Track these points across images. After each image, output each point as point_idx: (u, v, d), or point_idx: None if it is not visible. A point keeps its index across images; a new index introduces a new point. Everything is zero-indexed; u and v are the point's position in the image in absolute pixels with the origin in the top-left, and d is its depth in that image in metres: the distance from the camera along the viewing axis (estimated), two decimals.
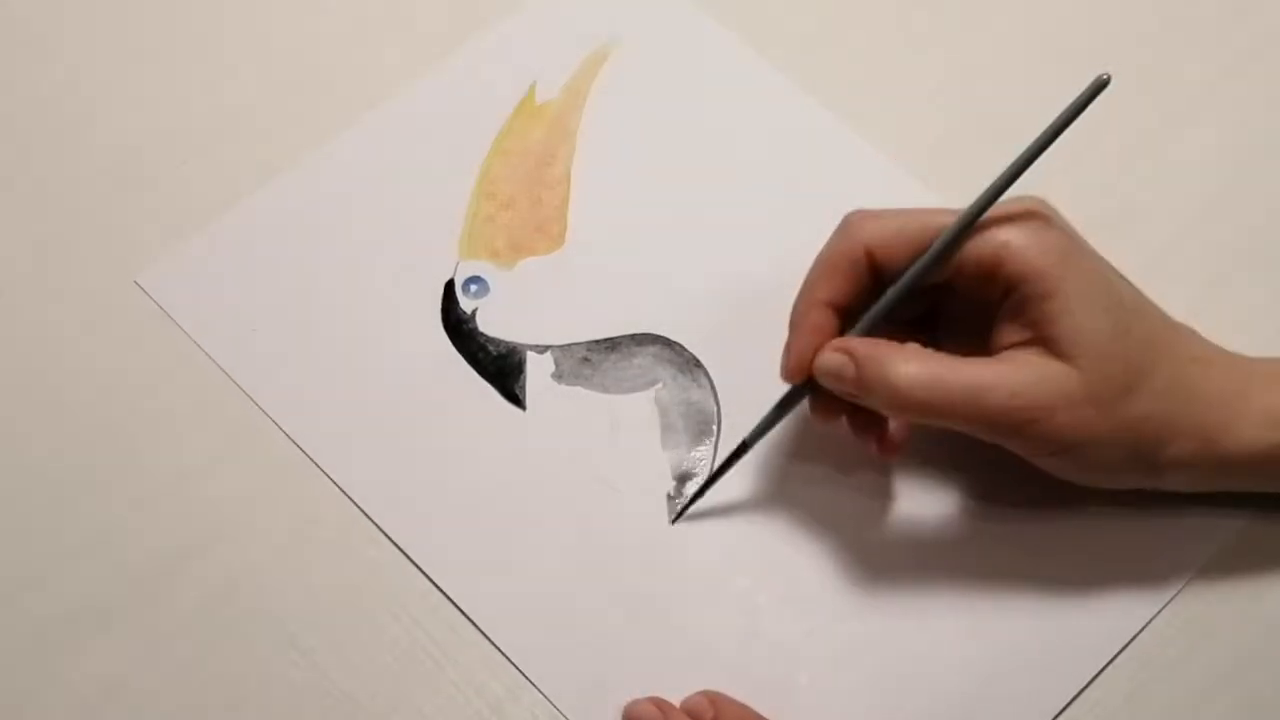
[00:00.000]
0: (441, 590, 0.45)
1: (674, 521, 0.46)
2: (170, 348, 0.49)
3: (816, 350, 0.43)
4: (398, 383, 0.49)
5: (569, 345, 0.50)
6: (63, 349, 0.49)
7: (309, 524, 0.47)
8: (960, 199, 0.42)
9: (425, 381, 0.49)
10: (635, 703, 0.43)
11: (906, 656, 0.44)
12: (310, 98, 0.54)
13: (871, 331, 0.43)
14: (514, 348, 0.49)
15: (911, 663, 0.44)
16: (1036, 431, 0.41)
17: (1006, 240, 0.41)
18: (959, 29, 0.56)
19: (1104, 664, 0.44)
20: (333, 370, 0.49)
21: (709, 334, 0.50)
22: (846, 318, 0.44)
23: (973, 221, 0.42)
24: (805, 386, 0.44)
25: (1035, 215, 0.42)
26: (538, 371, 0.49)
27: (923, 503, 0.47)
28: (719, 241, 0.51)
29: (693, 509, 0.46)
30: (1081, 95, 0.40)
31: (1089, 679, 0.44)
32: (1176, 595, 0.45)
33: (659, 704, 0.43)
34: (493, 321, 0.50)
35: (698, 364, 0.49)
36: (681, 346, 0.49)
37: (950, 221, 0.42)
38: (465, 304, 0.50)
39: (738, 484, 0.47)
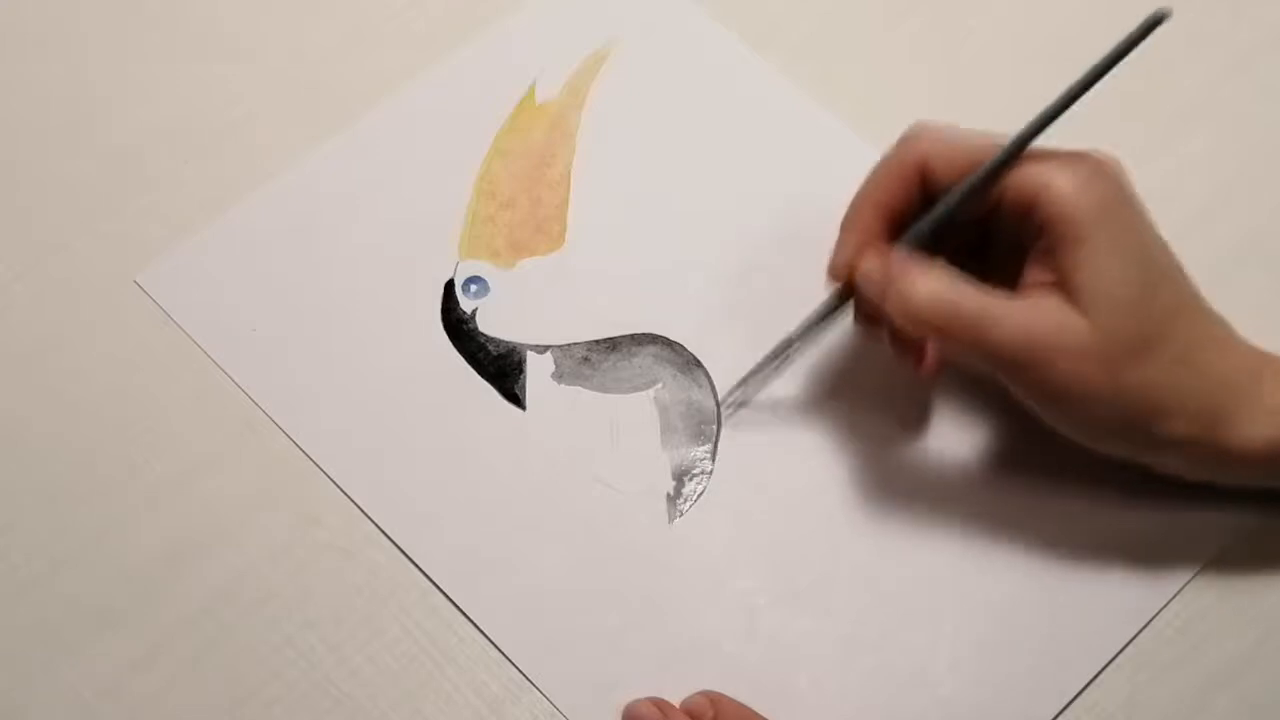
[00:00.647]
0: (441, 590, 0.45)
1: (724, 412, 0.47)
2: (170, 348, 0.49)
3: (860, 250, 0.43)
4: (398, 383, 0.49)
5: (569, 345, 0.49)
6: (63, 349, 0.49)
7: (309, 524, 0.47)
8: None
9: (425, 381, 0.49)
10: (635, 703, 0.43)
11: (906, 656, 0.44)
12: (310, 97, 0.54)
13: (919, 246, 0.43)
14: (514, 348, 0.49)
15: (911, 663, 0.44)
16: (1035, 376, 0.41)
17: (1048, 182, 0.41)
18: (959, 30, 0.56)
19: (1104, 664, 0.44)
20: (333, 370, 0.49)
21: (709, 334, 0.50)
22: (898, 229, 0.44)
23: (1023, 146, 0.41)
24: (849, 291, 0.44)
25: (1086, 162, 0.41)
26: (538, 371, 0.49)
27: (921, 504, 0.47)
28: (719, 241, 0.51)
29: (697, 501, 0.47)
30: (1138, 28, 0.40)
31: (1089, 679, 0.44)
32: (1177, 595, 0.45)
33: (659, 704, 0.43)
34: (492, 321, 0.50)
35: (698, 364, 0.49)
36: (681, 346, 0.49)
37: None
38: (465, 304, 0.50)
39: (738, 481, 0.47)
